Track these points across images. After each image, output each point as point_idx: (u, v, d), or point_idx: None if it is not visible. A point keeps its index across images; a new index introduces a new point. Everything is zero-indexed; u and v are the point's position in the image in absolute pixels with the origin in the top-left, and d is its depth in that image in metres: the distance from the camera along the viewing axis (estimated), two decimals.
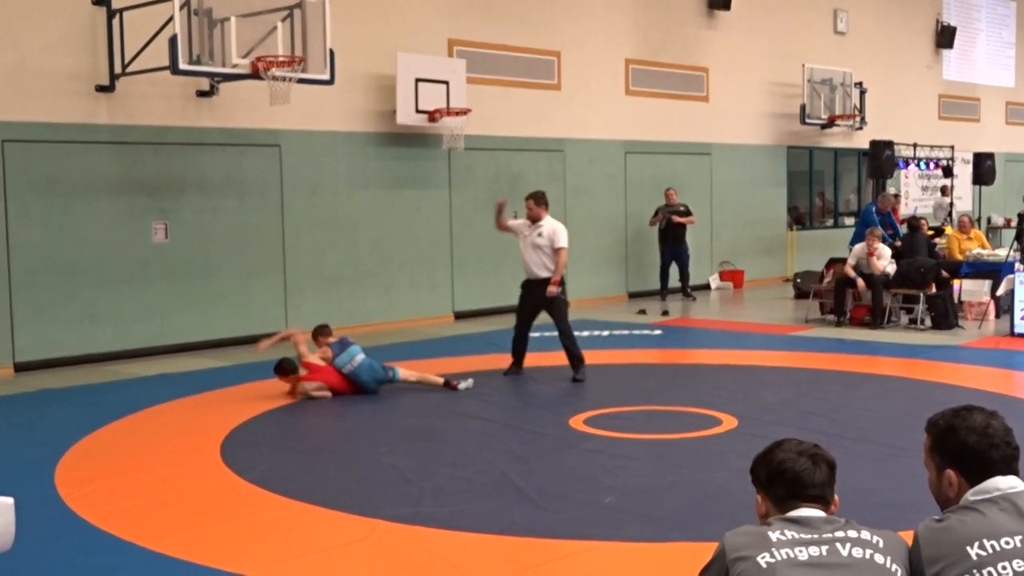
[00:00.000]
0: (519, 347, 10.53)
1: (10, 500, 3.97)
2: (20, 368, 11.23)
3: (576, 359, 10.12)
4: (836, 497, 2.99)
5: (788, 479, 2.93)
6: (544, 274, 10.12)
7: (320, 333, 9.94)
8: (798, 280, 17.16)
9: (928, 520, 2.86)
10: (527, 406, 8.99)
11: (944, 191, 22.59)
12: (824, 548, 2.76)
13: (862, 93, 21.65)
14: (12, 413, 9.23)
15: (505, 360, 10.56)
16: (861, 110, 21.54)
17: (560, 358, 11.37)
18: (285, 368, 9.49)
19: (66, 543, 5.64)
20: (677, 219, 17.08)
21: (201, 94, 12.50)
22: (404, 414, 8.85)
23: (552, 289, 10.02)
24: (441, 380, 9.74)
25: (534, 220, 10.33)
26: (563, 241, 10.12)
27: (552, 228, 10.17)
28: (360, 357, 9.66)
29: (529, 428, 8.12)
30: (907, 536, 2.89)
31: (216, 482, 6.82)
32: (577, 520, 5.81)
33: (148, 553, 5.44)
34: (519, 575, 5.04)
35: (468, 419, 8.53)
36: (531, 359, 11.32)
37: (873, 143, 19.17)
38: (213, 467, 7.15)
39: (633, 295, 17.83)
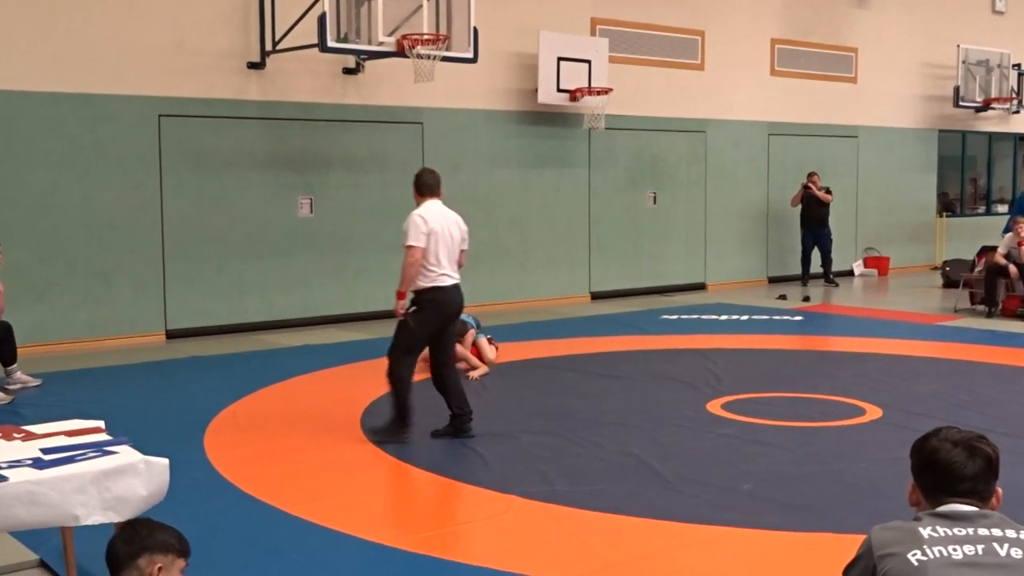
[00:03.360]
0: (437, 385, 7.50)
1: (165, 461, 4.14)
2: (171, 335, 11.66)
3: (398, 409, 7.24)
4: (999, 490, 2.84)
5: (938, 470, 2.80)
6: (419, 283, 7.20)
7: None
8: (947, 268, 16.64)
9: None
10: (663, 389, 8.90)
11: None
12: (980, 547, 2.63)
13: (1020, 75, 20.75)
14: (164, 378, 9.59)
15: (640, 341, 10.48)
16: (1019, 93, 20.66)
17: (694, 341, 11.25)
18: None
19: (213, 504, 5.84)
20: (814, 191, 16.69)
21: (347, 71, 12.72)
22: (540, 393, 8.87)
23: (396, 307, 7.28)
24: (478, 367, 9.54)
25: None
26: (410, 237, 7.09)
27: (406, 221, 7.25)
28: None
29: (665, 411, 8.05)
30: None
31: (356, 452, 6.95)
32: (715, 505, 5.73)
33: (290, 518, 5.59)
34: (655, 558, 5.01)
35: (603, 399, 8.50)
36: (658, 342, 11.21)
37: None
38: (353, 437, 7.29)
39: (773, 280, 17.52)
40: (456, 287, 7.30)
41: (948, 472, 2.79)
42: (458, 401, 7.32)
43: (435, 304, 7.18)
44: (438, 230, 7.18)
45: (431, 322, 7.20)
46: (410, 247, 7.07)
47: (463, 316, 10.06)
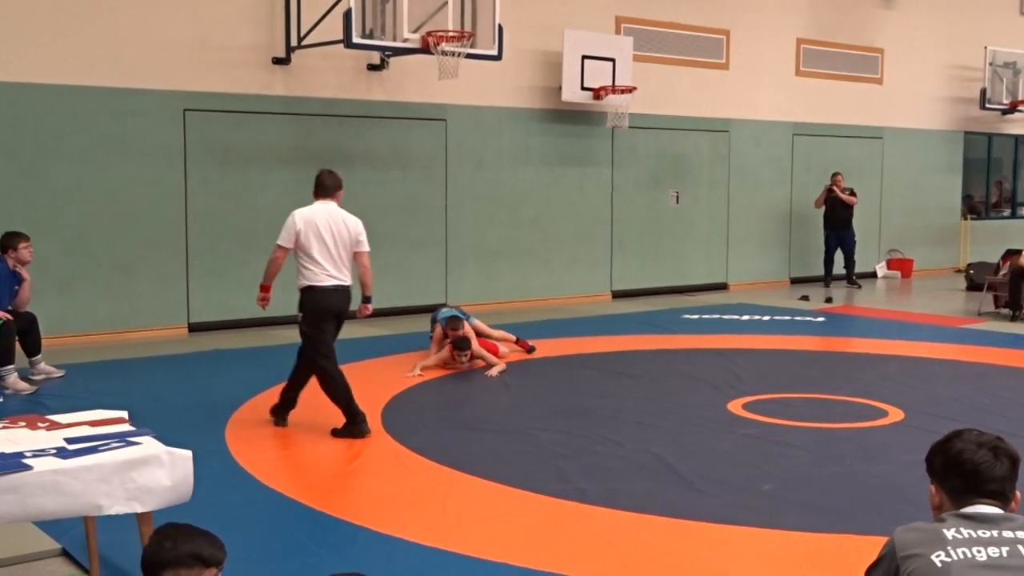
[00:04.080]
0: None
1: (188, 452, 4.15)
2: (194, 328, 11.72)
3: (345, 410, 7.26)
4: (1018, 494, 2.84)
5: (965, 471, 2.79)
6: (299, 281, 7.37)
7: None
8: (971, 271, 16.53)
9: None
10: (684, 388, 8.88)
11: None
12: (1005, 549, 2.62)
13: None
14: (186, 371, 9.63)
15: (661, 341, 10.46)
16: None
17: (715, 341, 11.24)
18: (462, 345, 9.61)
19: (235, 496, 5.86)
20: (837, 193, 16.62)
21: (372, 68, 12.75)
22: (559, 390, 8.87)
23: (258, 298, 7.70)
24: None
25: None
26: (280, 236, 7.33)
27: None
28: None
29: (686, 410, 8.03)
30: None
31: (377, 447, 6.97)
32: (735, 505, 5.72)
33: (311, 511, 5.61)
34: (675, 557, 5.00)
35: (624, 398, 8.49)
36: (680, 341, 11.20)
37: None
38: (374, 432, 7.30)
39: (795, 281, 17.46)
40: (336, 288, 7.26)
41: (976, 473, 2.78)
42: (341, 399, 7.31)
43: (313, 303, 7.24)
44: (315, 230, 7.20)
45: (315, 322, 7.27)
46: (277, 244, 7.28)
47: (451, 311, 10.11)
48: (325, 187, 7.48)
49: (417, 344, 10.40)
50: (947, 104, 19.69)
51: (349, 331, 11.75)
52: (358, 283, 7.52)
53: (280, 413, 7.52)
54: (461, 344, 9.54)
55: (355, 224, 7.41)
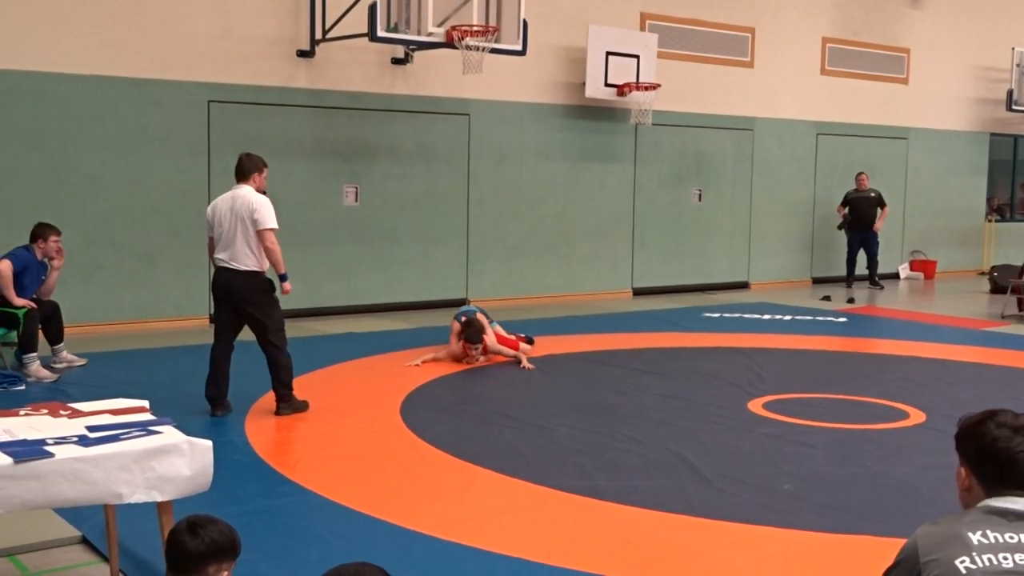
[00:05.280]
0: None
1: (208, 442, 4.16)
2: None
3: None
4: None
5: (1000, 461, 2.64)
6: None
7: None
8: (995, 274, 16.41)
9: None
10: (704, 386, 8.86)
11: None
12: None
13: None
14: (207, 362, 9.63)
15: (681, 339, 10.44)
16: None
17: (736, 339, 11.21)
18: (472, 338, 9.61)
19: (254, 487, 5.88)
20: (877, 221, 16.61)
21: (395, 61, 12.76)
22: (579, 387, 8.86)
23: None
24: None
25: None
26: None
27: None
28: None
29: (706, 409, 8.01)
30: None
31: (396, 440, 6.98)
32: (754, 504, 5.70)
33: (329, 503, 5.62)
34: (694, 556, 4.99)
35: (644, 395, 8.47)
36: (700, 339, 11.17)
37: None
38: (393, 425, 7.32)
39: (817, 281, 17.38)
40: (221, 270, 7.51)
41: (1012, 464, 2.65)
42: (277, 378, 7.59)
43: (212, 287, 7.67)
44: (215, 217, 7.53)
45: (215, 304, 7.74)
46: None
47: (471, 308, 10.15)
48: (240, 172, 7.71)
49: (437, 339, 10.40)
50: (973, 105, 19.56)
51: (370, 324, 11.83)
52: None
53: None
54: (471, 336, 9.53)
55: (241, 203, 7.47)
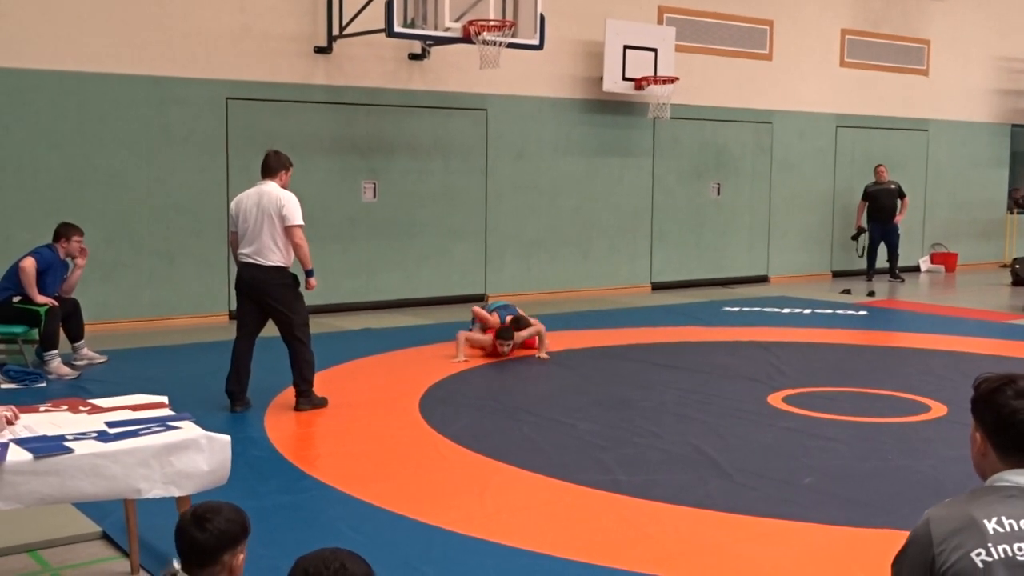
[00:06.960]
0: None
1: (227, 438, 4.17)
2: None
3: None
4: None
5: (1019, 433, 2.57)
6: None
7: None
8: (1016, 266, 16.31)
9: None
10: (724, 380, 8.82)
11: None
12: None
13: None
14: (226, 358, 9.63)
15: (701, 333, 10.41)
16: None
17: (756, 333, 11.17)
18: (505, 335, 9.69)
19: (273, 483, 5.89)
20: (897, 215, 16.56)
21: (413, 57, 12.75)
22: (598, 381, 8.84)
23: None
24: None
25: None
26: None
27: None
28: None
29: (726, 403, 7.98)
30: None
31: (415, 436, 6.97)
32: (775, 499, 5.67)
33: (348, 498, 5.62)
34: (715, 550, 4.96)
35: (664, 390, 8.44)
36: (720, 333, 11.13)
37: None
38: (412, 421, 7.32)
39: (838, 274, 17.30)
40: (246, 265, 7.51)
41: None
42: (298, 373, 7.61)
43: (236, 282, 7.67)
44: (239, 212, 7.56)
45: (238, 299, 7.70)
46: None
47: (499, 303, 10.23)
48: (265, 168, 7.72)
49: (455, 333, 10.39)
50: (994, 96, 19.42)
51: (389, 320, 11.83)
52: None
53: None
54: (504, 333, 9.59)
55: (268, 200, 7.49)
